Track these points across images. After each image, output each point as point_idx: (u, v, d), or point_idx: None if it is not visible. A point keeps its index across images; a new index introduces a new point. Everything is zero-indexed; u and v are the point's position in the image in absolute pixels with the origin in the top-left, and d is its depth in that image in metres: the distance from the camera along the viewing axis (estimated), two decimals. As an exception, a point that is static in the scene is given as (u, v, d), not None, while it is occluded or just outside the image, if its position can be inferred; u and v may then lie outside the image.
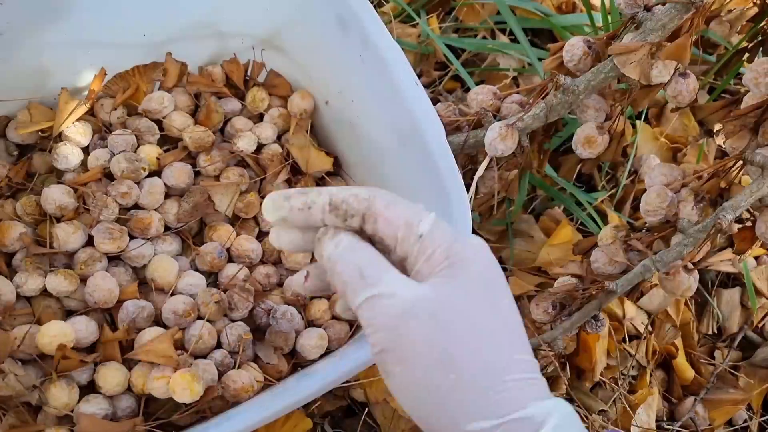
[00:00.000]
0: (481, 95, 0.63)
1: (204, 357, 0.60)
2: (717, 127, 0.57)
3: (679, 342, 0.70)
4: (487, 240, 0.74)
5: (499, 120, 0.61)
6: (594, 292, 0.56)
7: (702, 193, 0.56)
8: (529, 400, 0.35)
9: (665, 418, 0.69)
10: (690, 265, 0.55)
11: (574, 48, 0.60)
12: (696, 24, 0.54)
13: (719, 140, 0.58)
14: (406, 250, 0.37)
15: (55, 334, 0.55)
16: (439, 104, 0.65)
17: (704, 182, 0.55)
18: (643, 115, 0.79)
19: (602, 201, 0.75)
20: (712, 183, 0.55)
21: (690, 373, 0.71)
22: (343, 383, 0.65)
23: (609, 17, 0.75)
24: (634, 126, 0.78)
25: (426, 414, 0.36)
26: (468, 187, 0.65)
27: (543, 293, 0.59)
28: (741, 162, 0.53)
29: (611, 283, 0.55)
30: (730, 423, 0.70)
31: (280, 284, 0.67)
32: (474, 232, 0.74)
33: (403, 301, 0.35)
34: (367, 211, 0.37)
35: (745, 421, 0.70)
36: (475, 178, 0.60)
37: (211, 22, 0.70)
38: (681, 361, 0.70)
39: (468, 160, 0.65)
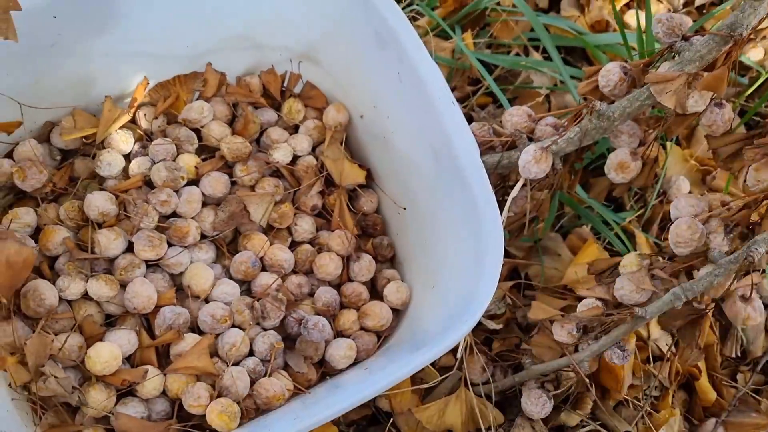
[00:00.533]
0: (516, 117, 0.64)
1: (237, 364, 0.62)
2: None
3: (702, 364, 0.71)
4: (514, 256, 0.75)
5: (533, 142, 0.62)
6: (621, 317, 0.57)
7: (731, 224, 0.57)
8: None
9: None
10: (746, 293, 0.55)
11: (610, 73, 0.60)
12: (733, 56, 0.55)
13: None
14: None
15: (106, 360, 0.57)
16: (473, 123, 0.66)
17: (734, 213, 0.56)
18: (674, 137, 0.79)
19: (630, 221, 0.76)
20: (743, 214, 0.56)
21: (712, 395, 0.71)
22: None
23: (644, 37, 0.76)
24: (664, 147, 0.78)
25: None
26: (501, 205, 0.66)
27: (567, 316, 0.60)
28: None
29: (641, 309, 0.56)
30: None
31: (311, 294, 0.69)
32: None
33: None
34: None
35: (767, 445, 0.71)
36: (509, 198, 0.61)
37: (250, 35, 0.72)
38: (704, 382, 0.71)
39: (500, 179, 0.66)
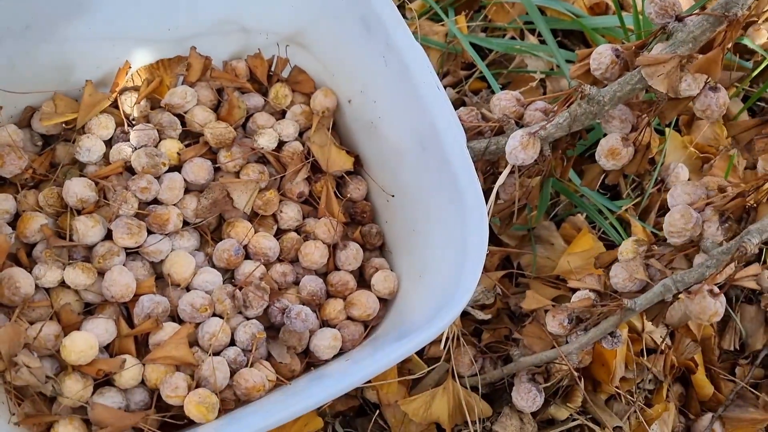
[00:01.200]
0: (503, 101, 0.62)
1: (217, 354, 0.61)
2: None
3: (699, 357, 0.69)
4: (506, 245, 0.73)
5: (522, 127, 0.60)
6: (611, 309, 0.55)
7: (727, 213, 0.54)
8: None
9: (680, 434, 0.68)
10: (716, 289, 0.53)
11: (601, 56, 0.58)
12: (729, 37, 0.52)
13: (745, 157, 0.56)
14: None
15: (81, 349, 0.56)
16: (461, 108, 0.64)
17: (729, 201, 0.54)
18: (673, 123, 0.77)
19: (627, 209, 0.73)
20: (737, 203, 0.54)
21: (709, 389, 0.69)
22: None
23: (641, 20, 0.73)
24: (663, 133, 0.76)
25: None
26: (488, 193, 0.64)
27: (559, 307, 0.58)
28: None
29: (630, 300, 0.54)
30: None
31: (296, 283, 0.67)
32: (494, 237, 0.73)
33: None
34: None
35: (765, 441, 0.69)
36: (496, 186, 0.59)
37: (236, 18, 0.70)
38: (700, 376, 0.69)
39: (489, 165, 0.64)
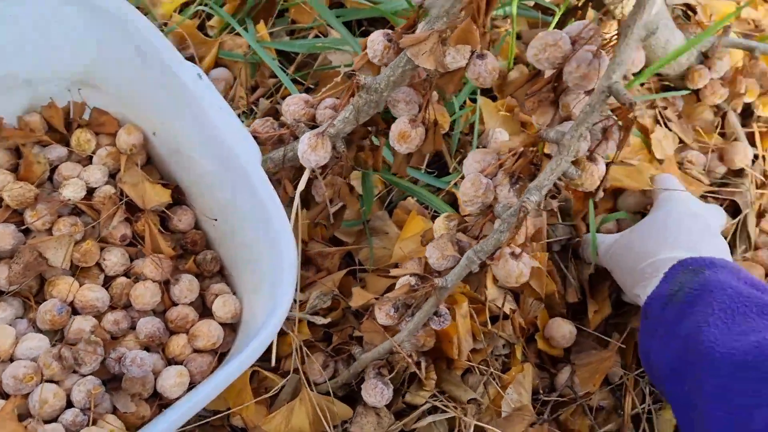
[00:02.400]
0: (292, 106, 0.61)
1: (54, 420, 0.59)
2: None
3: (543, 314, 0.70)
4: (343, 243, 0.73)
5: (315, 128, 0.60)
6: (427, 291, 0.55)
7: (517, 174, 0.55)
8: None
9: (545, 390, 0.70)
10: (516, 251, 0.54)
11: (374, 43, 0.58)
12: (479, 6, 0.53)
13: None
14: None
15: None
16: (256, 121, 0.63)
17: (514, 162, 0.55)
18: (479, 91, 0.78)
19: (456, 183, 0.74)
20: (521, 162, 0.55)
21: (554, 349, 0.71)
22: (222, 412, 0.65)
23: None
24: (475, 101, 0.77)
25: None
26: (304, 198, 0.64)
27: (383, 298, 0.58)
28: (539, 139, 0.52)
29: (440, 279, 0.55)
30: (607, 383, 0.71)
31: (132, 327, 0.66)
32: (332, 237, 0.73)
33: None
34: None
35: (621, 377, 0.70)
36: (297, 191, 0.59)
37: (15, 71, 0.67)
38: (542, 335, 0.71)
39: (295, 171, 0.64)
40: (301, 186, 0.58)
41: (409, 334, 0.58)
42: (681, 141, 0.85)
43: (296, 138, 0.62)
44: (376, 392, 0.60)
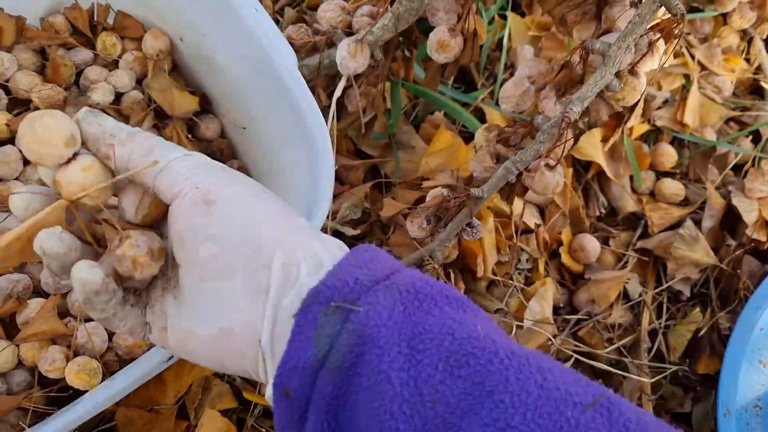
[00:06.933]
0: (329, 12, 0.60)
1: (90, 320, 0.60)
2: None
3: (567, 231, 0.71)
4: (370, 156, 0.73)
5: (351, 36, 0.59)
6: (462, 200, 0.56)
7: (562, 87, 0.55)
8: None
9: (563, 305, 0.71)
10: (551, 162, 0.55)
11: (416, -51, 0.57)
12: None
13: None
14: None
15: None
16: (289, 27, 0.62)
17: (556, 74, 0.55)
18: (510, 5, 0.77)
19: (483, 99, 0.74)
20: (565, 74, 0.54)
21: (575, 266, 0.72)
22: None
23: None
24: (505, 17, 0.76)
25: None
26: (327, 108, 0.64)
27: (415, 210, 0.59)
28: (584, 51, 0.52)
29: (476, 189, 0.55)
30: (628, 299, 0.72)
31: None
32: (357, 149, 0.73)
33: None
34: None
35: (640, 294, 0.72)
36: (333, 99, 0.58)
37: (39, -31, 0.66)
38: (566, 250, 0.72)
39: (330, 80, 0.63)
40: (338, 93, 0.58)
41: (440, 244, 0.59)
42: (703, 67, 0.84)
43: (331, 45, 0.61)
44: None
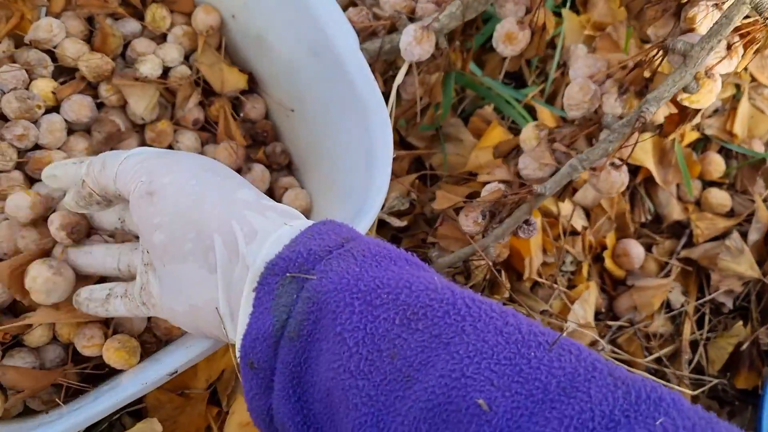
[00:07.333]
0: (393, -4, 0.59)
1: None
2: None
3: (612, 236, 0.70)
4: (415, 147, 0.72)
5: (415, 22, 0.58)
6: (522, 198, 0.55)
7: (626, 85, 0.54)
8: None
9: (604, 311, 0.70)
10: (618, 162, 0.53)
11: (486, -64, 0.56)
12: None
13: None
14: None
15: None
16: (350, 9, 0.60)
17: (627, 72, 0.53)
18: (569, 3, 0.75)
19: (533, 97, 0.72)
20: (636, 73, 0.53)
21: (619, 272, 0.71)
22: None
23: None
24: (560, 15, 0.74)
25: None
26: (387, 95, 0.62)
27: (471, 203, 0.57)
28: (663, 50, 0.51)
29: (539, 186, 0.54)
30: (669, 308, 0.71)
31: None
32: (402, 140, 0.72)
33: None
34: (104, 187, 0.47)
35: (682, 305, 0.71)
36: (395, 84, 0.57)
37: (94, -65, 0.64)
38: (609, 255, 0.71)
39: (387, 66, 0.62)
40: (399, 79, 0.56)
41: (495, 240, 0.58)
42: (753, 78, 0.83)
43: (392, 31, 0.60)
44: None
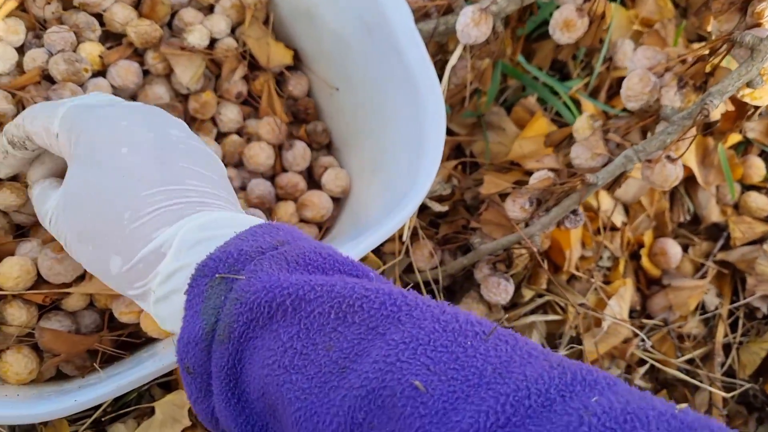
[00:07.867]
0: (451, -23, 0.58)
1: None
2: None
3: (649, 234, 0.69)
4: (457, 134, 0.71)
5: (471, 4, 0.57)
6: (573, 186, 0.54)
7: (685, 78, 0.53)
8: (156, 230, 0.38)
9: (638, 308, 0.70)
10: (673, 155, 0.53)
11: None
12: None
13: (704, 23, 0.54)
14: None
15: (18, 275, 0.52)
16: (405, -12, 0.60)
17: (689, 66, 0.53)
18: (619, -3, 0.75)
19: (577, 89, 0.72)
20: (697, 67, 0.52)
21: (654, 271, 0.70)
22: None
23: None
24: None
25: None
26: (440, 77, 0.61)
27: (520, 189, 0.57)
28: (726, 45, 0.50)
29: (592, 175, 0.53)
30: (704, 310, 0.71)
31: (243, 188, 0.64)
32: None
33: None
34: (26, 133, 0.47)
35: (716, 307, 0.70)
36: (448, 67, 0.56)
37: None
38: (646, 255, 0.70)
39: (438, 48, 0.61)
40: (453, 61, 0.56)
41: (541, 228, 0.57)
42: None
43: (447, 12, 0.59)
44: (500, 290, 0.59)
